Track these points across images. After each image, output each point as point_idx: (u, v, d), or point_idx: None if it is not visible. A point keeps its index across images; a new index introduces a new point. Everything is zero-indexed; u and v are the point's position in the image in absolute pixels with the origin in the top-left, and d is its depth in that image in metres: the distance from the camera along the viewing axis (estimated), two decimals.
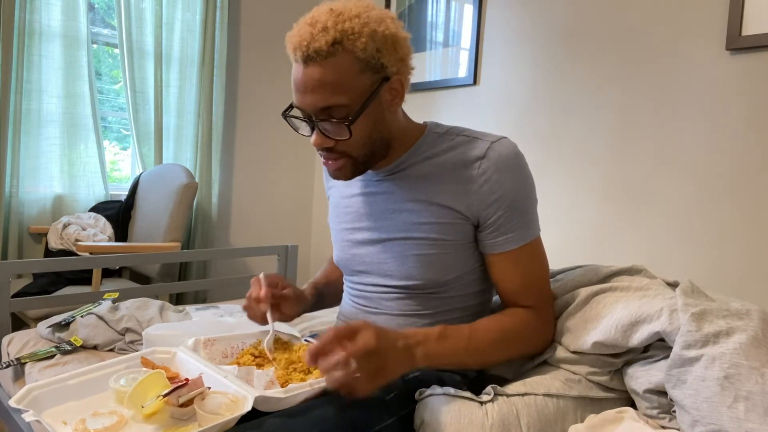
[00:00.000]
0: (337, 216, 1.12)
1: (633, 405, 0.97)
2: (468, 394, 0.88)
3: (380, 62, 0.89)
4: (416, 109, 2.70)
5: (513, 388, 0.93)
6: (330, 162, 0.96)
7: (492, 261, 0.99)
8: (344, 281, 1.14)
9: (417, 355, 0.84)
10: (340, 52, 0.86)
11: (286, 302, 1.01)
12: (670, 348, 0.90)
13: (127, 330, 1.35)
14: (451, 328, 0.89)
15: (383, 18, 0.90)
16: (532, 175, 0.99)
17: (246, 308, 1.01)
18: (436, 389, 0.88)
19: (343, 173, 0.97)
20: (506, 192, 0.94)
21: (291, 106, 0.95)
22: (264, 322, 0.99)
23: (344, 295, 1.13)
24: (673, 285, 1.05)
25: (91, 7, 2.57)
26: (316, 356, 0.76)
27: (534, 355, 1.04)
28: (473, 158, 0.95)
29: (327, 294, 1.21)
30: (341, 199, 1.11)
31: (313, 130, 0.92)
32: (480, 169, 0.94)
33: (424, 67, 2.67)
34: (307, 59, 0.87)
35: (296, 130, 0.97)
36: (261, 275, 1.00)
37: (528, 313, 0.98)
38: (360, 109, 0.89)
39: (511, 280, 0.98)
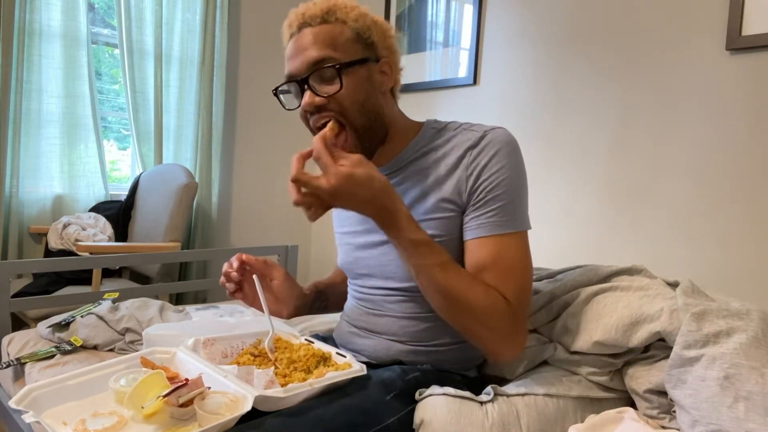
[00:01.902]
0: (339, 220, 1.13)
1: (633, 405, 0.97)
2: (468, 394, 0.88)
3: (371, 39, 0.94)
4: (416, 109, 2.70)
5: (513, 388, 0.93)
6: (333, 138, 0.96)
7: (466, 249, 0.93)
8: (348, 284, 1.14)
9: (386, 231, 0.86)
10: (334, 20, 0.92)
11: (273, 270, 1.07)
12: (671, 348, 0.90)
13: (127, 330, 1.35)
14: (432, 246, 0.87)
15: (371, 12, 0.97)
16: (525, 169, 0.97)
17: (222, 284, 1.04)
18: (436, 389, 0.88)
19: (349, 149, 0.95)
20: (492, 175, 0.92)
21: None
22: (243, 294, 1.03)
23: (348, 296, 1.13)
24: (674, 285, 1.05)
25: (91, 7, 2.57)
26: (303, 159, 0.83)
27: (489, 350, 0.92)
28: (466, 147, 0.96)
29: (330, 294, 1.20)
30: None
31: (303, 93, 0.93)
32: (471, 156, 0.94)
33: (424, 67, 2.67)
34: (302, 25, 0.93)
35: (285, 106, 0.99)
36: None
37: (500, 296, 0.88)
38: (350, 63, 0.91)
39: (479, 271, 0.90)
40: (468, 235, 0.93)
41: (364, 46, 0.94)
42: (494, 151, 0.93)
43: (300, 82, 0.93)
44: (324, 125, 0.93)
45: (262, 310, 0.99)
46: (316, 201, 0.81)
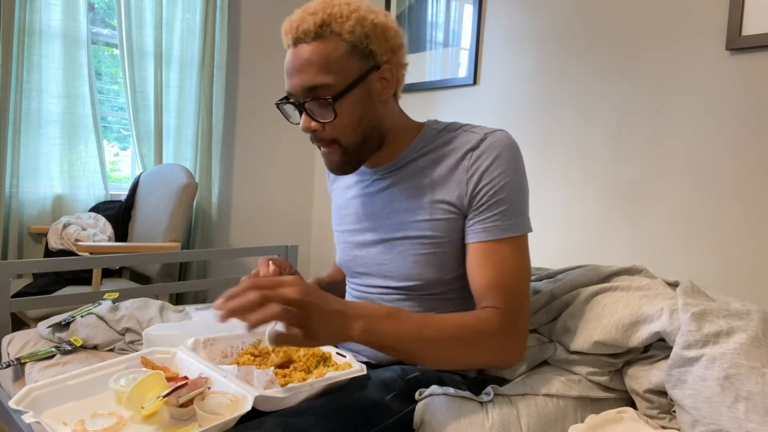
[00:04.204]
0: (338, 218, 1.13)
1: (633, 405, 0.97)
2: (468, 394, 0.88)
3: (369, 48, 0.92)
4: (416, 109, 2.70)
5: (513, 388, 0.93)
6: (322, 149, 0.97)
7: (468, 252, 0.94)
8: (347, 283, 1.14)
9: (355, 327, 0.76)
10: (328, 34, 0.89)
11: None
12: (671, 348, 0.90)
13: (127, 330, 1.35)
14: (404, 312, 0.83)
15: (374, 10, 0.93)
16: (526, 171, 0.97)
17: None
18: (436, 389, 0.88)
19: (335, 163, 0.97)
20: (493, 179, 0.92)
21: (286, 97, 0.97)
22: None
23: (347, 295, 1.13)
24: (674, 285, 1.05)
25: (91, 7, 2.57)
26: (229, 298, 0.69)
27: (495, 366, 0.94)
28: (467, 149, 0.95)
29: (331, 291, 1.20)
30: (342, 201, 1.12)
31: (301, 114, 0.94)
32: (471, 159, 0.94)
33: (424, 67, 2.67)
34: (297, 40, 0.91)
35: (288, 118, 1.00)
36: (268, 259, 0.99)
37: (492, 314, 0.88)
38: (345, 89, 0.90)
39: (482, 275, 0.91)
40: (470, 239, 0.94)
41: (361, 57, 0.91)
42: (495, 155, 0.93)
43: (297, 105, 0.94)
44: (319, 142, 0.94)
45: None
46: (294, 315, 0.71)
